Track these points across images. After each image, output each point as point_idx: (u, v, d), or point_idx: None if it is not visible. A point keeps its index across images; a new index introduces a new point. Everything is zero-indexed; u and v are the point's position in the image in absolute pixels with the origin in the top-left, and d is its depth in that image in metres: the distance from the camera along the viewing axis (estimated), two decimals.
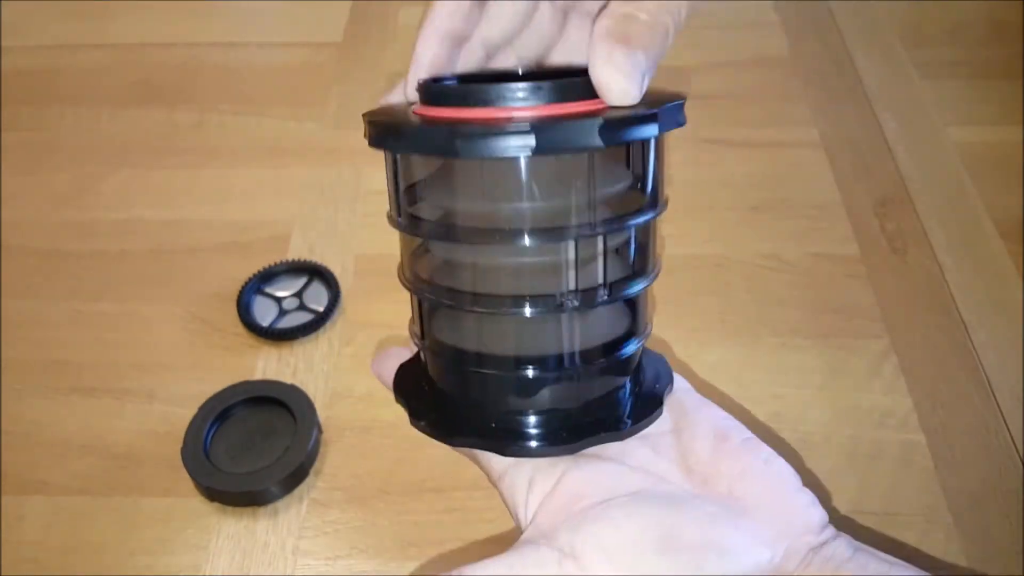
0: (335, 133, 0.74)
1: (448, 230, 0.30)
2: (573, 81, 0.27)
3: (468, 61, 0.33)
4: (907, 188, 0.68)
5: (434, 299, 0.31)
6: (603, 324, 0.31)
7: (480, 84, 0.27)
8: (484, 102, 0.27)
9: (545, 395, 0.31)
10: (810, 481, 0.49)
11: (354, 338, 0.58)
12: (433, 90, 0.29)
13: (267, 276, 0.60)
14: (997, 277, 0.61)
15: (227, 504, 0.49)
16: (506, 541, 0.31)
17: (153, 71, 0.82)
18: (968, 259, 0.62)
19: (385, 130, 0.28)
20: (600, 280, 0.29)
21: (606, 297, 0.29)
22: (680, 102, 0.29)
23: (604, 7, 0.28)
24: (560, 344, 0.30)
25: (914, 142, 0.72)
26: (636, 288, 0.31)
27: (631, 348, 0.32)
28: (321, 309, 0.59)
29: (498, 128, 0.25)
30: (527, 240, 0.28)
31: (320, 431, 0.52)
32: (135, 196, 0.69)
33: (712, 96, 0.76)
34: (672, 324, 0.58)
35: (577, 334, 0.30)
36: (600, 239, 0.29)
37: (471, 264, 0.30)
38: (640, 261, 0.31)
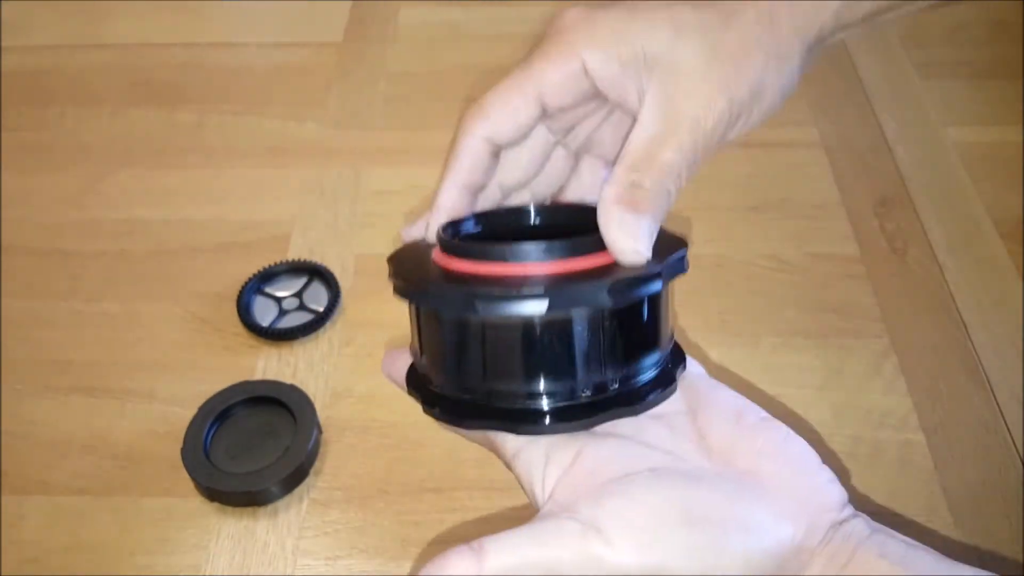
0: (335, 133, 0.74)
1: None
2: (583, 240, 0.29)
3: (485, 200, 0.35)
4: (907, 188, 0.68)
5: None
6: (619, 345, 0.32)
7: (497, 243, 0.29)
8: (502, 259, 0.29)
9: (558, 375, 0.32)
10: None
11: (354, 338, 0.58)
12: (453, 245, 0.31)
13: (267, 276, 0.61)
14: (997, 277, 0.61)
15: (227, 504, 0.49)
16: None
17: (153, 71, 0.82)
18: (968, 259, 0.62)
19: (410, 287, 0.30)
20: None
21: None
22: (683, 252, 0.31)
23: (612, 168, 0.30)
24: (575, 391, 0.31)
25: (914, 142, 0.72)
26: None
27: (645, 377, 0.32)
28: (321, 309, 0.59)
29: (514, 293, 0.27)
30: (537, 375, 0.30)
31: (320, 431, 0.52)
32: (135, 196, 0.69)
33: None
34: (671, 324, 0.58)
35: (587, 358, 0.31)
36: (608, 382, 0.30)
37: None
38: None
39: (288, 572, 0.47)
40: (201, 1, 0.90)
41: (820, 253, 0.63)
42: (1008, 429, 0.52)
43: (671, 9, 0.30)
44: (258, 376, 0.56)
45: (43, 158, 0.73)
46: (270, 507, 0.50)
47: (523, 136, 0.33)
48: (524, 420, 0.31)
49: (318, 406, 0.53)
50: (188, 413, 0.52)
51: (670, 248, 0.31)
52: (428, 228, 0.34)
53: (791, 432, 0.31)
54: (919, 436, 0.52)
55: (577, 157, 0.37)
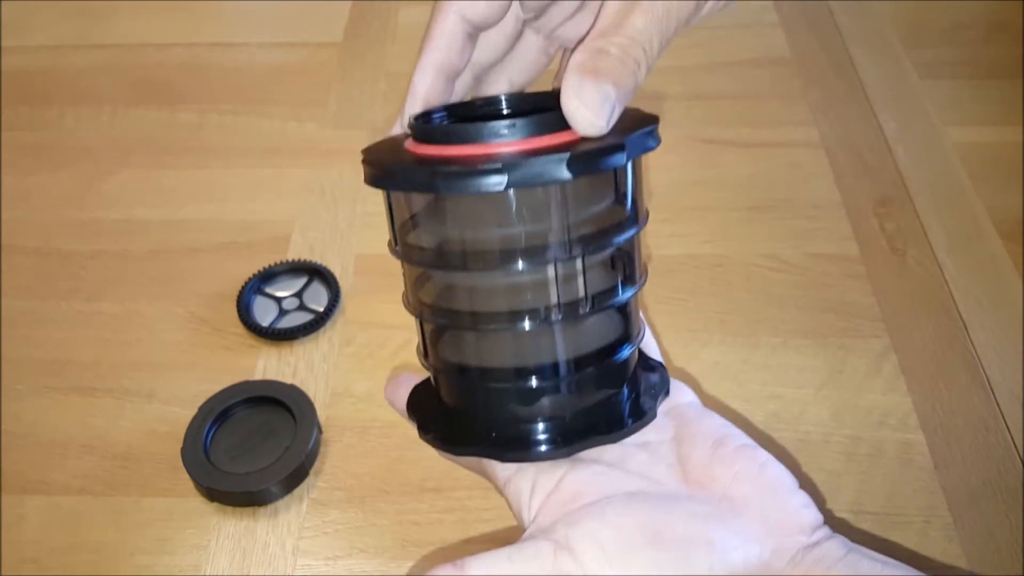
0: (335, 133, 0.74)
1: (440, 257, 0.32)
2: (547, 116, 0.29)
3: (459, 86, 0.35)
4: (907, 188, 0.68)
5: (433, 320, 0.33)
6: (592, 333, 0.33)
7: (463, 124, 0.29)
8: (466, 140, 0.29)
9: (542, 404, 0.33)
10: (808, 485, 0.49)
11: (354, 338, 0.58)
12: (422, 129, 0.31)
13: (267, 276, 0.61)
14: (997, 277, 0.61)
15: (227, 504, 0.49)
16: (504, 540, 0.31)
17: (153, 71, 0.82)
18: (968, 259, 0.62)
19: (378, 171, 0.31)
20: (582, 294, 0.31)
21: (588, 309, 0.31)
22: (651, 128, 0.30)
23: (582, 40, 0.30)
24: (552, 353, 0.33)
25: (914, 142, 0.72)
26: (621, 298, 0.32)
27: (624, 354, 0.33)
28: (321, 309, 0.59)
29: (473, 168, 0.28)
30: (512, 263, 0.30)
31: (320, 431, 0.52)
32: (135, 196, 0.69)
33: (712, 96, 0.76)
34: (672, 324, 0.58)
35: (567, 343, 0.32)
36: (580, 259, 0.31)
37: (463, 287, 0.33)
38: (624, 272, 0.33)
39: (288, 572, 0.47)
40: (201, 1, 0.90)
41: (820, 253, 0.63)
42: (1008, 429, 0.52)
43: None
44: (258, 376, 0.56)
45: (43, 158, 0.73)
46: (270, 507, 0.50)
47: (499, 16, 0.33)
48: (509, 447, 0.32)
49: (318, 406, 0.53)
50: (188, 413, 0.52)
51: (639, 125, 0.30)
52: (403, 115, 0.34)
53: (770, 458, 0.31)
54: (919, 436, 0.52)
55: (551, 46, 0.36)
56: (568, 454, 0.32)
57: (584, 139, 0.29)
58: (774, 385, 0.55)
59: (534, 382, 0.32)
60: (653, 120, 0.31)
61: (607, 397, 0.33)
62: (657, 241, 0.63)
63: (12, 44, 0.85)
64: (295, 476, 0.50)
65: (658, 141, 0.31)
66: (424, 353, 0.35)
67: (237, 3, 0.91)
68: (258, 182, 0.70)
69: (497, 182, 0.27)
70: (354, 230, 0.65)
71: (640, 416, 0.33)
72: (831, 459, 0.51)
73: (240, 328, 0.58)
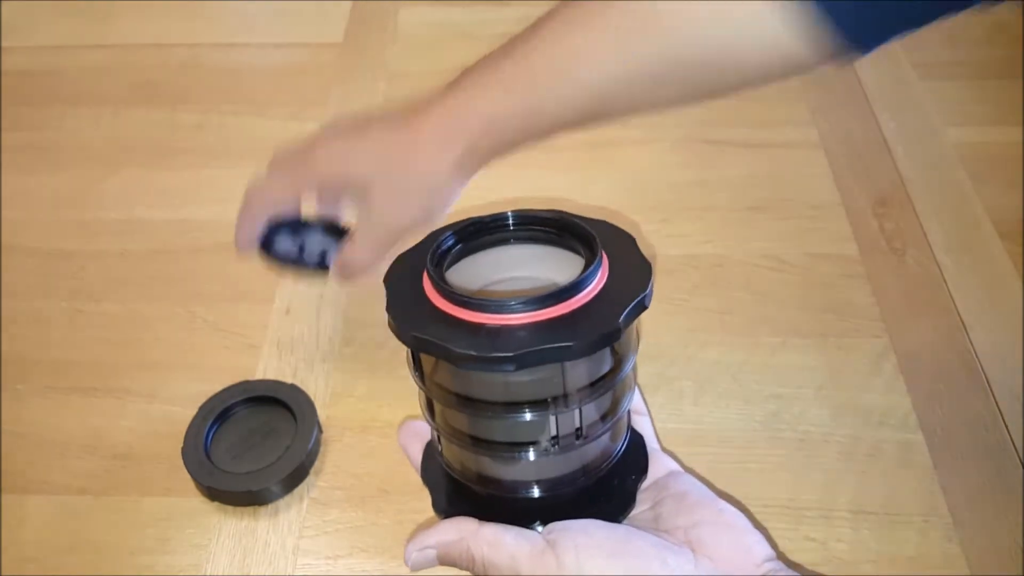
0: None
1: (458, 400, 0.35)
2: (556, 291, 0.32)
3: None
4: (906, 188, 0.68)
5: (450, 439, 0.37)
6: (582, 457, 0.37)
7: (480, 301, 0.33)
8: (484, 311, 0.32)
9: (537, 503, 0.37)
10: (808, 484, 0.49)
11: (354, 338, 0.58)
12: (442, 289, 0.34)
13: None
14: (996, 277, 0.61)
15: (228, 504, 0.49)
16: None
17: (154, 72, 0.82)
18: (967, 259, 0.62)
19: (403, 331, 0.33)
20: (576, 427, 0.35)
21: (583, 439, 0.35)
22: (645, 293, 0.33)
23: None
24: (547, 470, 0.37)
25: (913, 142, 0.72)
26: (605, 428, 0.36)
27: (612, 462, 0.38)
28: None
29: (487, 358, 0.31)
30: (516, 413, 0.34)
31: (320, 431, 0.52)
32: (136, 196, 0.69)
33: None
34: (672, 324, 0.58)
35: (561, 464, 0.37)
36: (577, 408, 0.34)
37: (476, 423, 0.36)
38: (611, 408, 0.37)
39: (288, 571, 0.47)
40: (201, 1, 0.90)
41: (819, 253, 0.63)
42: (1008, 429, 0.52)
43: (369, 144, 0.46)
44: (258, 376, 0.56)
45: (43, 158, 0.73)
46: (270, 506, 0.50)
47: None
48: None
49: (318, 406, 0.53)
50: (188, 413, 0.52)
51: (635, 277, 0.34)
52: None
53: (727, 506, 0.36)
54: (919, 436, 0.52)
55: None
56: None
57: (588, 304, 0.32)
58: (774, 385, 0.55)
59: (531, 492, 0.37)
60: (646, 271, 0.34)
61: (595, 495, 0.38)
62: (657, 241, 0.63)
63: (12, 44, 0.85)
64: (295, 476, 0.50)
65: (650, 297, 0.34)
66: (440, 454, 0.39)
67: (237, 3, 0.91)
68: None
69: (508, 367, 0.31)
70: None
71: (623, 509, 0.38)
72: (831, 459, 0.51)
73: (240, 328, 0.59)
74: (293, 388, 0.53)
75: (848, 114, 0.75)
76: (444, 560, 0.35)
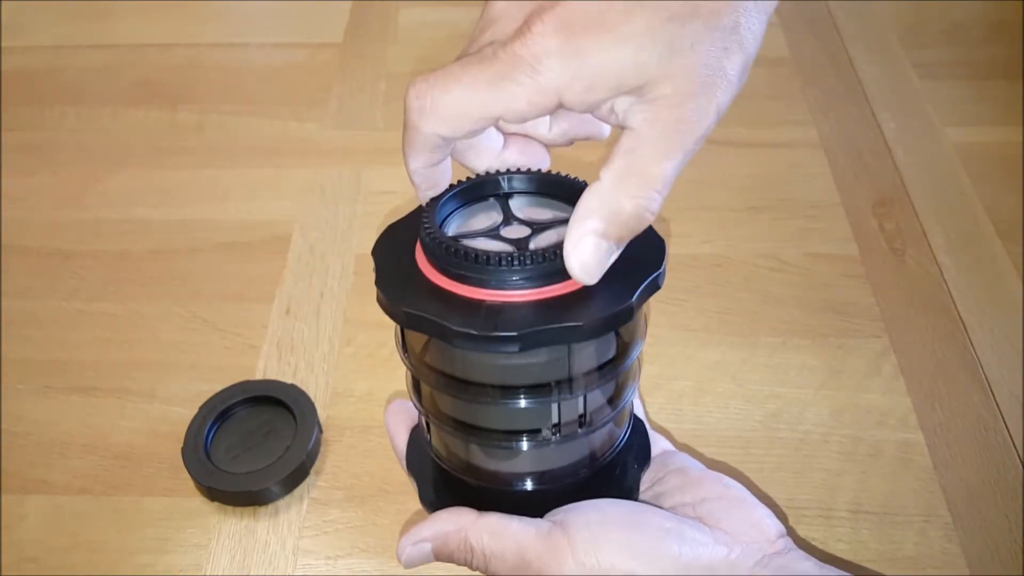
0: (335, 133, 0.74)
1: (451, 384, 0.32)
2: (563, 268, 0.29)
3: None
4: (906, 188, 0.68)
5: (440, 426, 0.34)
6: (585, 446, 0.35)
7: (480, 265, 0.29)
8: (483, 285, 0.29)
9: (534, 494, 0.36)
10: (807, 484, 0.49)
11: (354, 338, 0.58)
12: (437, 255, 0.30)
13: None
14: (996, 277, 0.61)
15: (228, 504, 0.50)
16: None
17: (154, 72, 0.82)
18: (967, 259, 0.62)
19: (395, 306, 0.30)
20: (580, 413, 0.33)
21: (586, 428, 0.34)
22: (659, 271, 0.31)
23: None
24: (548, 461, 0.35)
25: (913, 142, 0.72)
26: (610, 416, 0.35)
27: (614, 453, 0.36)
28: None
29: (488, 335, 0.28)
30: (515, 399, 0.32)
31: (320, 431, 0.52)
32: (136, 196, 0.69)
33: None
34: (672, 324, 0.58)
35: (563, 454, 0.35)
36: (582, 395, 0.32)
37: (471, 409, 0.34)
38: (616, 394, 0.35)
39: (289, 571, 0.47)
40: (201, 1, 0.90)
41: (819, 253, 0.63)
42: (1008, 429, 0.52)
43: (645, 23, 0.26)
44: (258, 376, 0.56)
45: (43, 158, 0.73)
46: (271, 506, 0.50)
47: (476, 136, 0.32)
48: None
49: (318, 406, 0.53)
50: (188, 413, 0.52)
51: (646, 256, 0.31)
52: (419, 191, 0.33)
53: (731, 480, 0.35)
54: (918, 436, 0.52)
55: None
56: None
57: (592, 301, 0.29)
58: (774, 385, 0.55)
59: (529, 485, 0.35)
60: (660, 247, 0.32)
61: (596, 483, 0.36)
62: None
63: (12, 44, 0.85)
64: (296, 476, 0.50)
65: (664, 276, 0.31)
66: (428, 443, 0.37)
67: (237, 3, 0.91)
68: (258, 182, 0.70)
69: (512, 347, 0.28)
70: (354, 230, 0.65)
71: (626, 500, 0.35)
72: (831, 459, 0.51)
73: (240, 328, 0.59)
74: (293, 388, 0.53)
75: (848, 114, 0.75)
76: (440, 554, 0.33)
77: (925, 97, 0.76)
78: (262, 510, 0.50)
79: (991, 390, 0.54)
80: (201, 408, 0.52)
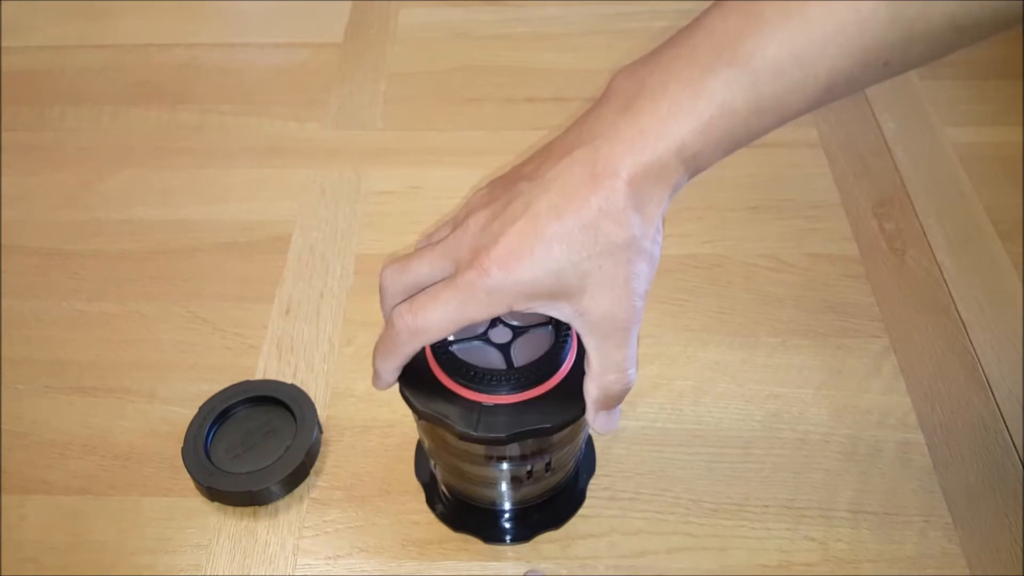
0: (335, 133, 0.74)
1: (450, 451, 0.43)
2: (540, 370, 0.39)
3: None
4: (906, 188, 0.68)
5: (443, 470, 0.47)
6: (549, 481, 0.47)
7: (476, 376, 0.38)
8: (478, 388, 0.38)
9: (511, 515, 0.49)
10: (807, 484, 0.49)
11: (354, 338, 0.58)
12: (446, 363, 0.39)
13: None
14: (996, 277, 0.61)
15: (228, 504, 0.50)
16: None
17: (154, 71, 0.82)
18: (967, 259, 0.62)
19: (411, 397, 0.39)
20: (547, 462, 0.44)
21: (549, 473, 0.45)
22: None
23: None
24: (515, 495, 0.47)
25: (913, 142, 0.72)
26: (570, 459, 0.46)
27: (567, 479, 0.48)
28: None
29: (484, 438, 0.38)
30: (501, 464, 0.43)
31: (320, 431, 0.52)
32: (136, 196, 0.69)
33: None
34: (671, 324, 0.58)
35: (530, 488, 0.46)
36: (549, 461, 0.43)
37: (464, 468, 0.44)
38: (575, 443, 0.45)
39: (288, 571, 0.47)
40: (201, 1, 0.90)
41: (819, 253, 0.63)
42: (1007, 429, 0.52)
43: (560, 252, 0.34)
44: (258, 376, 0.56)
45: (43, 158, 0.73)
46: (271, 506, 0.50)
47: None
48: (491, 534, 0.48)
49: (318, 406, 0.53)
50: (188, 413, 0.52)
51: None
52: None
53: None
54: (918, 436, 0.52)
55: None
56: (527, 539, 0.48)
57: (564, 379, 0.39)
58: (773, 385, 0.55)
59: (507, 506, 0.48)
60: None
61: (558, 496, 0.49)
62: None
63: (12, 44, 0.85)
64: (295, 476, 0.50)
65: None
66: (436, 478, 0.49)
67: (237, 3, 0.91)
68: (258, 182, 0.70)
69: (498, 439, 0.38)
70: (354, 230, 0.65)
71: (577, 505, 0.49)
72: (830, 459, 0.51)
73: (240, 328, 0.59)
74: (293, 388, 0.53)
75: (848, 114, 0.75)
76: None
77: (925, 97, 0.76)
78: (262, 510, 0.50)
79: (991, 390, 0.54)
80: (201, 408, 0.52)
